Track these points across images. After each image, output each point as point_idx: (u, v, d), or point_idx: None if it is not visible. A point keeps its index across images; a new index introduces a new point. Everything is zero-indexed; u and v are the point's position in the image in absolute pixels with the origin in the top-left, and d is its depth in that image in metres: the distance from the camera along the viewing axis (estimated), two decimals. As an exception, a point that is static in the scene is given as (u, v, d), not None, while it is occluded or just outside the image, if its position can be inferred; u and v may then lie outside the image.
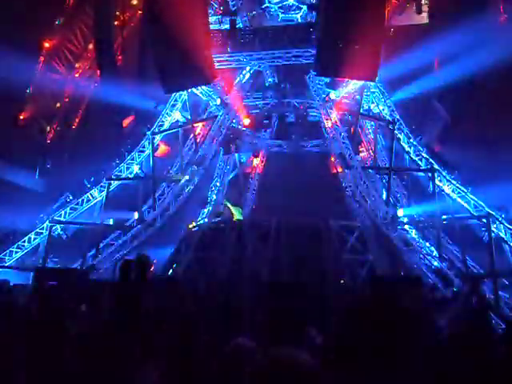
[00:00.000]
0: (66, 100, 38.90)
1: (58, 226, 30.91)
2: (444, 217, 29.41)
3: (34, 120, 38.58)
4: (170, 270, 28.69)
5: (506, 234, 28.80)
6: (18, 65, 34.39)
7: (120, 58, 35.19)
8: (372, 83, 31.13)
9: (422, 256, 28.52)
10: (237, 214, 32.28)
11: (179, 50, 29.03)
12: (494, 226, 28.97)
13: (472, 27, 28.32)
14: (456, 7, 30.75)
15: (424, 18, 33.00)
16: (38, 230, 30.80)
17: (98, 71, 36.14)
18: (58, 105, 39.02)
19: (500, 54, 28.36)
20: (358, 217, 29.99)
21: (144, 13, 35.27)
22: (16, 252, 30.54)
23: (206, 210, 32.72)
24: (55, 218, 30.95)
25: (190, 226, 31.29)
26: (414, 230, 29.73)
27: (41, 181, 36.04)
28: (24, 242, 30.72)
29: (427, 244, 29.18)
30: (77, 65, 39.34)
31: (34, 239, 30.73)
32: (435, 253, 28.55)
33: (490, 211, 28.90)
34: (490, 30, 30.32)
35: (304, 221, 28.23)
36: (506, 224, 28.79)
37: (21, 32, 36.42)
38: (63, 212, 31.21)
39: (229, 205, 32.76)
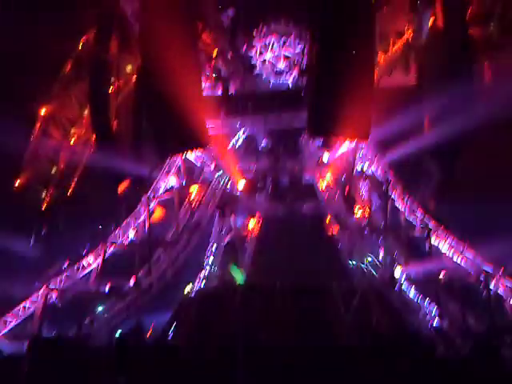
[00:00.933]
0: (62, 165, 39.13)
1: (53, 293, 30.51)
2: (441, 275, 29.32)
3: (30, 186, 38.74)
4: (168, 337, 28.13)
5: (504, 291, 28.65)
6: (14, 131, 34.82)
7: (115, 123, 35.60)
8: (364, 143, 31.53)
9: (421, 316, 28.29)
10: (239, 279, 31.82)
11: (173, 115, 29.48)
12: (493, 282, 28.85)
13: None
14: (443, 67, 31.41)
15: (412, 79, 33.78)
16: (32, 298, 30.39)
17: (94, 136, 36.53)
18: (54, 170, 39.23)
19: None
20: (356, 277, 29.77)
21: (138, 79, 36.02)
22: (10, 322, 30.03)
23: (201, 275, 32.51)
24: (50, 285, 30.59)
25: (187, 292, 30.99)
26: (412, 288, 29.54)
27: (36, 247, 35.87)
28: (18, 310, 30.26)
29: (426, 302, 28.95)
30: (72, 130, 39.78)
31: (29, 308, 30.27)
32: (434, 312, 28.30)
33: (487, 268, 28.84)
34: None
35: (306, 284, 27.78)
36: (505, 281, 28.68)
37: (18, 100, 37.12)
38: (58, 279, 30.88)
39: (234, 269, 32.28)
